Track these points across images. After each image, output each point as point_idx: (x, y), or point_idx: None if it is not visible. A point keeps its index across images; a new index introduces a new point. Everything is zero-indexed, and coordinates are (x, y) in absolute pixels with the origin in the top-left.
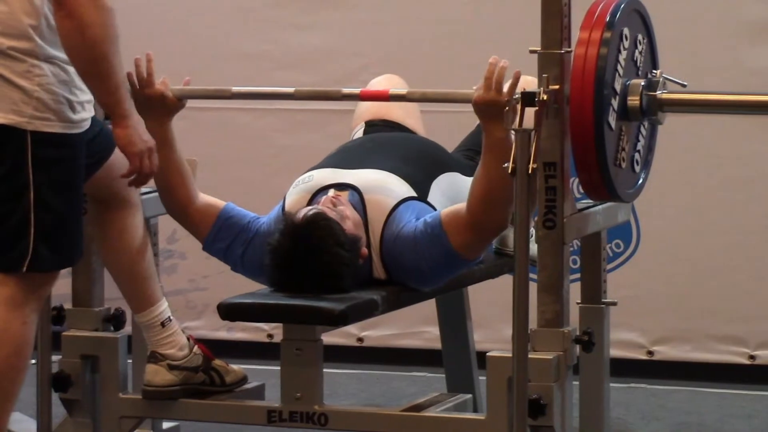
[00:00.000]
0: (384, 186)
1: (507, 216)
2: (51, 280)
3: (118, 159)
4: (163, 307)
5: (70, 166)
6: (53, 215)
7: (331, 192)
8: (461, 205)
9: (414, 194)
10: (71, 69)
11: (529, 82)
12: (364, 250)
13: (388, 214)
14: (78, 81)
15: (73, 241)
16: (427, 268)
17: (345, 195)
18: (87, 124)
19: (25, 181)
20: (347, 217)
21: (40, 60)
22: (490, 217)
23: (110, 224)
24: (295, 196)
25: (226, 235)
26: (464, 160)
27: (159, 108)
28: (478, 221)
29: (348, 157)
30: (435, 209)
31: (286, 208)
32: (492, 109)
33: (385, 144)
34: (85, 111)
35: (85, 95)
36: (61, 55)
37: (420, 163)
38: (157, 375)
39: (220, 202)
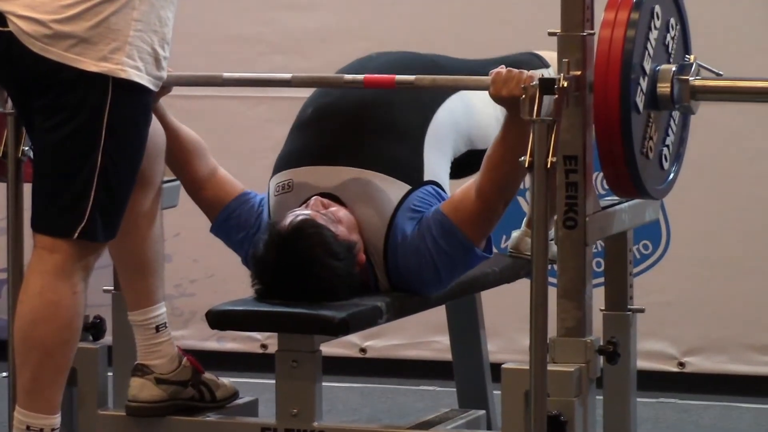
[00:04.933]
0: (371, 198)
1: (517, 190)
2: (99, 250)
3: (153, 133)
4: (162, 311)
5: (141, 130)
6: (114, 184)
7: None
8: (463, 194)
9: (405, 189)
10: (166, 16)
11: (552, 58)
12: (362, 255)
13: (387, 228)
14: (168, 35)
15: (120, 215)
16: (444, 269)
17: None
18: (160, 84)
19: (96, 138)
20: (340, 220)
21: (138, 1)
22: (504, 198)
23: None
24: (278, 207)
25: (232, 229)
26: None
27: None
28: (493, 205)
29: (325, 135)
30: (435, 183)
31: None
32: (511, 100)
33: (364, 103)
34: (165, 70)
35: (167, 53)
36: None
37: (404, 121)
38: (144, 389)
39: (235, 190)
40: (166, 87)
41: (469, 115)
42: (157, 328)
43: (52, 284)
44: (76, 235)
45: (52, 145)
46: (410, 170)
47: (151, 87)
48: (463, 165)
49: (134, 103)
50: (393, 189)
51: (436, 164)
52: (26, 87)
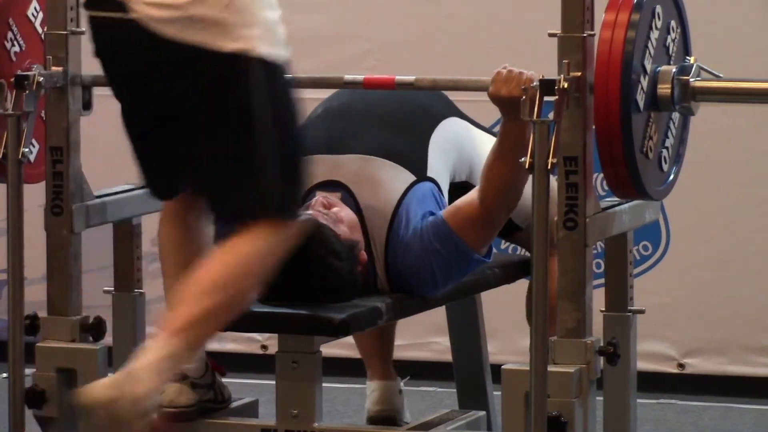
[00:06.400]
0: (378, 182)
1: (520, 197)
2: (290, 229)
3: None
4: None
5: (288, 101)
6: (284, 157)
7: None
8: (466, 201)
9: (411, 178)
10: None
11: None
12: (363, 254)
13: (389, 221)
14: (279, 15)
15: (301, 188)
16: (440, 272)
17: (337, 196)
18: (288, 63)
19: (251, 117)
20: (341, 220)
21: None
22: (506, 205)
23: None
24: None
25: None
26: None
27: None
28: (494, 212)
29: (335, 128)
30: (436, 182)
31: None
32: (510, 101)
33: (374, 104)
34: (287, 50)
35: (284, 33)
36: None
37: (412, 121)
38: (183, 394)
39: None
40: None
41: (473, 145)
42: None
43: (251, 258)
44: (268, 214)
45: (210, 131)
46: (416, 163)
47: (283, 64)
48: (459, 194)
49: (274, 77)
50: (399, 177)
51: (438, 167)
52: (154, 76)
